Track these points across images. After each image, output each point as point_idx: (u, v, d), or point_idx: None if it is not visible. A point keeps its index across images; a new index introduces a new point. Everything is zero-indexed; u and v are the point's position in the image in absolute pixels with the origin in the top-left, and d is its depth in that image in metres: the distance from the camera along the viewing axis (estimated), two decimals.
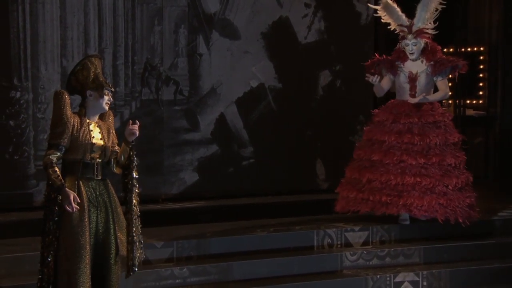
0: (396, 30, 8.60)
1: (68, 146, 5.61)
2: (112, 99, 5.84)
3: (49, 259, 5.56)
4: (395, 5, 8.56)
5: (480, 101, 12.28)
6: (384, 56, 8.61)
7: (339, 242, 8.12)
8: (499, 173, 11.89)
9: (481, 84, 12.25)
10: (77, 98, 5.85)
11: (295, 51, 10.20)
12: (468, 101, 12.22)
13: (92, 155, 5.68)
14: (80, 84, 5.75)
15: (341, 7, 10.43)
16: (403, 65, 8.48)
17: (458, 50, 11.97)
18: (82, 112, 5.75)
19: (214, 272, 7.33)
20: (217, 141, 9.81)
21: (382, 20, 8.69)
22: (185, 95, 9.63)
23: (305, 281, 7.51)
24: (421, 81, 8.43)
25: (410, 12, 8.52)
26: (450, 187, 8.20)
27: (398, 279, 7.73)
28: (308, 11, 10.25)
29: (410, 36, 8.44)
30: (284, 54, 10.10)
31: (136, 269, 5.81)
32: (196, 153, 9.70)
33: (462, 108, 12.01)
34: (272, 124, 10.06)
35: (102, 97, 5.74)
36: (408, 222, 8.33)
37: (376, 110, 8.65)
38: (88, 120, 5.73)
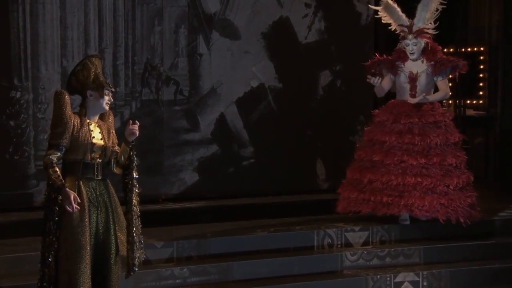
0: (396, 31, 8.60)
1: (68, 146, 5.61)
2: (112, 99, 5.84)
3: (49, 259, 5.56)
4: (395, 5, 8.57)
5: (480, 101, 12.28)
6: (385, 56, 8.61)
7: (339, 242, 8.12)
8: (499, 173, 11.89)
9: (481, 84, 12.25)
10: (78, 98, 5.86)
11: (296, 51, 10.20)
12: (468, 101, 12.22)
13: (93, 155, 5.68)
14: (80, 84, 5.75)
15: (341, 7, 10.43)
16: (404, 65, 8.49)
17: (458, 50, 11.97)
18: (83, 112, 5.75)
19: (214, 272, 7.33)
20: (217, 141, 9.81)
21: (382, 21, 8.70)
22: (185, 95, 9.63)
23: (305, 281, 7.51)
24: (422, 81, 8.43)
25: (410, 12, 8.53)
26: (451, 187, 8.20)
27: (398, 279, 7.73)
28: (309, 11, 10.25)
29: (410, 36, 8.44)
30: (284, 54, 10.10)
31: (136, 269, 5.81)
32: (196, 153, 9.70)
33: (462, 108, 12.01)
34: (272, 124, 10.05)
35: (102, 97, 5.74)
36: (408, 222, 8.33)
37: (377, 111, 8.65)
38: (88, 120, 5.73)
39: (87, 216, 5.59)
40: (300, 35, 10.21)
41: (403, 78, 8.49)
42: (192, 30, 9.64)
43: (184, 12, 9.60)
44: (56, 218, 5.57)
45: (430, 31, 8.47)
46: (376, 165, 8.29)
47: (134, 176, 5.81)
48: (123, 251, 5.75)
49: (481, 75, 12.21)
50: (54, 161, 5.55)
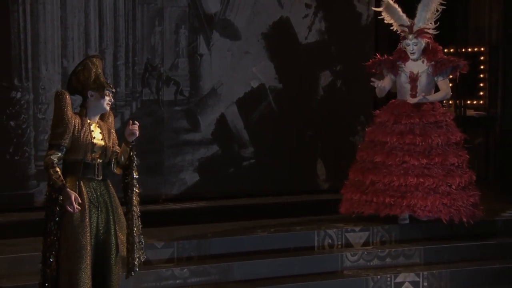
0: (397, 31, 8.61)
1: (69, 147, 5.62)
2: (113, 100, 5.84)
3: (51, 260, 5.56)
4: (396, 6, 8.57)
5: (481, 102, 12.28)
6: (386, 56, 8.62)
7: (339, 243, 8.12)
8: (500, 174, 11.89)
9: (481, 85, 12.24)
10: (78, 98, 5.86)
11: (296, 52, 10.20)
12: (468, 102, 12.22)
13: (93, 155, 5.68)
14: (81, 84, 5.76)
15: (341, 8, 10.43)
16: (404, 65, 8.49)
17: (459, 50, 11.97)
18: (83, 112, 5.75)
19: (215, 272, 7.33)
20: (218, 142, 9.81)
21: (385, 21, 8.70)
22: (185, 96, 9.63)
23: (306, 282, 7.51)
24: (422, 81, 8.43)
25: (411, 12, 8.53)
26: (453, 186, 8.20)
27: (398, 279, 7.73)
28: (309, 11, 10.25)
29: (411, 36, 8.45)
30: (284, 55, 10.10)
31: (137, 270, 5.82)
32: (196, 153, 9.70)
33: (462, 109, 12.00)
34: (272, 124, 10.05)
35: (103, 97, 5.74)
36: (407, 221, 8.34)
37: (377, 111, 8.66)
38: (89, 121, 5.73)
39: (87, 217, 5.59)
40: (300, 36, 10.21)
41: (403, 78, 8.50)
42: (193, 30, 9.65)
43: (184, 13, 9.60)
44: (57, 219, 5.57)
45: (430, 31, 8.47)
46: (378, 166, 8.29)
47: (134, 176, 5.81)
48: (123, 251, 5.75)
49: (481, 76, 12.21)
50: (54, 162, 5.56)
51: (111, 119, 5.90)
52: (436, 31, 8.50)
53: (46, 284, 5.59)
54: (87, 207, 5.60)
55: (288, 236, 8.01)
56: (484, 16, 12.22)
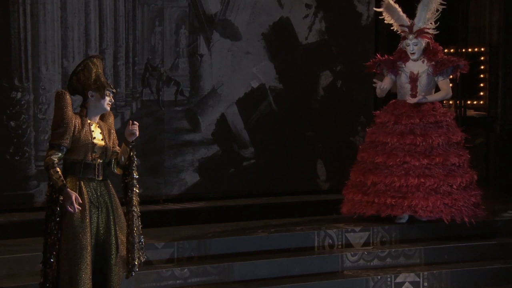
0: (398, 31, 8.61)
1: (69, 147, 5.62)
2: (113, 100, 5.84)
3: (51, 260, 5.56)
4: (396, 6, 8.58)
5: (481, 102, 12.28)
6: (386, 56, 8.62)
7: (339, 243, 8.12)
8: (500, 174, 11.88)
9: (482, 85, 12.24)
10: (78, 99, 5.86)
11: (296, 52, 10.20)
12: (469, 102, 12.21)
13: (93, 155, 5.68)
14: (81, 84, 5.76)
15: (342, 8, 10.43)
16: (405, 65, 8.50)
17: (459, 50, 11.96)
18: (83, 112, 5.75)
19: (215, 272, 7.33)
20: (218, 142, 9.81)
21: (385, 21, 8.71)
22: (185, 96, 9.63)
23: (306, 282, 7.51)
24: (422, 81, 8.43)
25: (411, 12, 8.53)
26: (454, 186, 8.20)
27: (399, 279, 7.73)
28: (309, 11, 10.25)
29: (411, 36, 8.45)
30: (285, 55, 10.10)
31: (137, 270, 5.81)
32: (197, 153, 9.70)
33: (463, 109, 12.00)
34: (273, 124, 10.05)
35: (103, 98, 5.74)
36: (403, 221, 8.33)
37: (378, 112, 8.66)
38: (89, 121, 5.73)
39: (88, 217, 5.59)
40: (300, 36, 10.21)
41: (404, 78, 8.50)
42: (193, 30, 9.64)
43: (184, 13, 9.60)
44: (58, 219, 5.57)
45: (430, 31, 8.47)
46: (379, 167, 8.29)
47: (134, 176, 5.82)
48: (123, 251, 5.75)
49: (481, 76, 12.20)
50: (55, 162, 5.56)
51: (111, 119, 5.90)
52: (436, 31, 8.50)
53: (47, 284, 5.59)
54: (87, 207, 5.60)
55: (288, 236, 8.01)
56: (484, 16, 12.22)
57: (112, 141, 5.81)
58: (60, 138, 5.59)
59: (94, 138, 5.70)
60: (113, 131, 5.86)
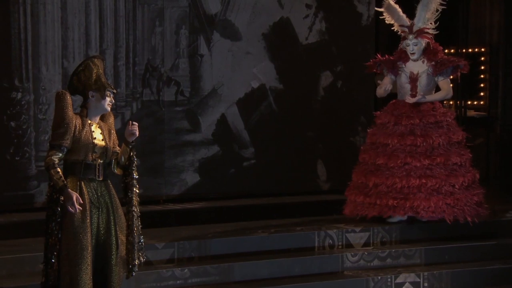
0: (398, 31, 8.61)
1: (70, 147, 5.62)
2: (113, 101, 5.85)
3: (53, 260, 5.57)
4: (396, 6, 8.58)
5: (481, 102, 12.28)
6: (386, 56, 8.62)
7: (340, 243, 8.12)
8: (500, 174, 11.88)
9: (482, 85, 12.24)
10: (78, 99, 5.86)
11: (296, 52, 10.20)
12: (469, 102, 12.21)
13: (94, 156, 5.68)
14: (82, 84, 5.76)
15: (342, 8, 10.43)
16: (405, 65, 8.50)
17: (459, 51, 11.96)
18: (84, 112, 5.75)
19: (215, 273, 7.33)
20: (218, 142, 9.81)
21: (386, 22, 8.71)
22: (186, 96, 9.63)
23: (306, 282, 7.51)
24: (422, 81, 8.44)
25: (411, 12, 8.54)
26: (456, 186, 8.21)
27: (399, 280, 7.73)
28: (309, 12, 10.25)
29: (410, 36, 8.46)
30: (285, 55, 10.10)
31: (137, 270, 5.81)
32: (197, 154, 9.70)
33: (463, 109, 12.00)
34: (273, 125, 10.05)
35: (104, 98, 5.74)
36: (395, 220, 8.33)
37: (378, 112, 8.66)
38: (89, 121, 5.74)
39: (88, 217, 5.59)
40: (301, 36, 10.21)
41: (404, 79, 8.50)
42: (193, 31, 9.64)
43: (185, 13, 9.60)
44: (58, 219, 5.57)
45: (430, 31, 8.47)
46: (380, 168, 8.29)
47: (134, 176, 5.82)
48: (123, 251, 5.75)
49: (482, 76, 12.20)
50: (56, 162, 5.56)
51: (111, 119, 5.90)
52: (436, 31, 8.50)
53: (48, 285, 5.59)
54: (88, 207, 5.61)
55: (288, 237, 8.01)
56: (484, 16, 12.21)
57: (112, 141, 5.81)
58: (61, 138, 5.60)
59: (95, 138, 5.70)
60: (113, 132, 5.86)
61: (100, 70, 5.80)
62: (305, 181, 10.21)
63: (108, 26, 9.18)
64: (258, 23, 9.94)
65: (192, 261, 7.45)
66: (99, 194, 5.70)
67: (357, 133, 10.42)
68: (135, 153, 5.85)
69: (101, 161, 5.72)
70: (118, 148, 5.85)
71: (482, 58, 12.19)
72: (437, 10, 8.53)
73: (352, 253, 7.92)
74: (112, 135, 5.83)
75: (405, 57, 8.51)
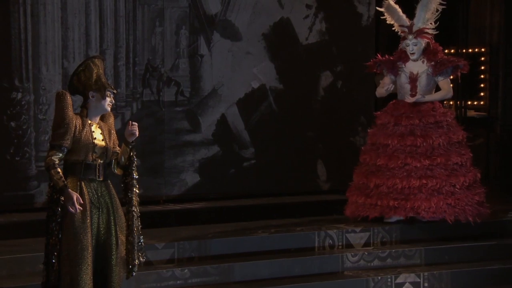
0: (398, 31, 8.62)
1: (70, 147, 5.62)
2: (114, 101, 5.85)
3: (53, 260, 5.56)
4: (396, 6, 8.58)
5: (481, 102, 12.28)
6: (386, 56, 8.63)
7: (340, 243, 8.12)
8: (500, 174, 11.88)
9: (482, 85, 12.24)
10: (78, 99, 5.86)
11: (296, 52, 10.20)
12: (469, 102, 12.22)
13: (94, 156, 5.68)
14: (82, 84, 5.76)
15: (342, 8, 10.43)
16: (405, 65, 8.51)
17: (459, 51, 11.97)
18: (84, 113, 5.75)
19: (215, 273, 7.33)
20: (218, 142, 9.81)
21: (386, 22, 8.72)
22: (186, 96, 9.63)
23: (306, 282, 7.51)
24: (422, 81, 8.44)
25: (412, 13, 8.54)
26: (457, 186, 8.21)
27: (399, 280, 7.73)
28: (309, 12, 10.25)
29: (410, 37, 8.46)
30: (285, 55, 10.10)
31: (136, 270, 5.81)
32: (197, 154, 9.70)
33: (463, 109, 12.01)
34: (273, 125, 10.05)
35: (104, 98, 5.74)
36: (393, 220, 8.33)
37: (379, 113, 8.66)
38: (89, 121, 5.74)
39: (89, 217, 5.59)
40: (301, 36, 10.21)
41: (403, 79, 8.51)
42: (193, 31, 9.65)
43: (185, 13, 9.60)
44: (59, 219, 5.57)
45: (430, 31, 8.47)
46: (381, 169, 8.29)
47: (134, 176, 5.82)
48: (123, 252, 5.75)
49: (482, 76, 12.21)
50: (56, 162, 5.56)
51: (111, 119, 5.90)
52: (436, 31, 8.50)
53: (48, 285, 5.59)
54: (88, 208, 5.61)
55: (288, 237, 8.01)
56: (485, 16, 12.22)
57: (112, 141, 5.81)
58: (61, 138, 5.59)
59: (95, 138, 5.70)
60: (113, 132, 5.86)
61: (101, 70, 5.80)
62: (305, 181, 10.21)
63: (108, 26, 9.18)
64: (258, 23, 9.94)
65: (192, 261, 7.45)
66: (99, 194, 5.70)
67: (357, 133, 10.42)
68: (135, 153, 5.85)
69: (101, 161, 5.72)
70: (118, 148, 5.85)
71: (482, 58, 12.20)
72: (437, 10, 8.54)
73: (352, 253, 7.92)
74: (112, 135, 5.83)
75: (405, 57, 8.52)
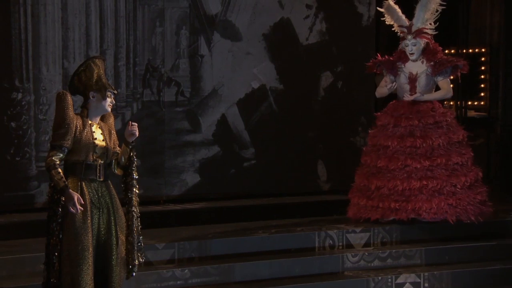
0: (398, 32, 8.62)
1: (70, 148, 5.62)
2: (114, 101, 5.85)
3: (54, 261, 5.57)
4: (396, 7, 8.59)
5: (482, 103, 12.28)
6: (386, 56, 8.63)
7: (340, 244, 8.12)
8: (501, 174, 11.88)
9: (482, 86, 12.24)
10: (79, 99, 5.86)
11: (297, 53, 10.20)
12: (469, 103, 12.21)
13: (95, 156, 5.69)
14: (82, 85, 5.76)
15: (342, 9, 10.43)
16: (404, 65, 8.51)
17: (459, 51, 11.97)
18: (84, 113, 5.75)
19: (216, 273, 7.33)
20: (219, 143, 9.81)
21: (386, 22, 8.72)
22: (186, 97, 9.63)
23: (307, 283, 7.52)
24: (421, 81, 8.44)
25: (411, 13, 8.54)
26: (458, 186, 8.20)
27: (399, 280, 7.73)
28: (310, 12, 10.25)
29: (409, 37, 8.46)
30: (285, 56, 10.10)
31: (136, 270, 5.82)
32: (197, 154, 9.70)
33: (463, 110, 12.00)
34: (273, 125, 10.05)
35: (104, 99, 5.75)
36: (390, 218, 8.33)
37: (379, 113, 8.66)
38: (90, 122, 5.74)
39: (89, 218, 5.60)
40: (301, 36, 10.21)
41: (403, 79, 8.51)
42: (194, 31, 9.65)
43: (185, 13, 9.60)
44: (59, 220, 5.57)
45: (429, 32, 8.47)
46: (381, 171, 8.29)
47: (134, 177, 5.82)
48: (123, 252, 5.75)
49: (482, 76, 12.20)
50: (56, 163, 5.56)
51: (111, 120, 5.91)
52: (435, 31, 8.50)
53: (49, 285, 5.59)
54: (89, 208, 5.61)
55: (289, 237, 8.01)
56: (485, 17, 12.21)
57: (112, 141, 5.82)
58: (62, 139, 5.60)
59: (95, 139, 5.70)
60: (113, 132, 5.86)
61: (101, 71, 5.81)
62: (306, 182, 10.21)
63: (109, 27, 9.18)
64: (258, 24, 9.94)
65: (192, 261, 7.46)
66: (99, 194, 5.70)
67: (357, 134, 10.42)
68: (135, 153, 5.85)
69: (102, 162, 5.72)
70: (118, 148, 5.85)
71: (483, 59, 12.19)
72: (436, 11, 8.54)
73: (353, 254, 7.92)
74: (112, 136, 5.83)
75: (404, 58, 8.52)
